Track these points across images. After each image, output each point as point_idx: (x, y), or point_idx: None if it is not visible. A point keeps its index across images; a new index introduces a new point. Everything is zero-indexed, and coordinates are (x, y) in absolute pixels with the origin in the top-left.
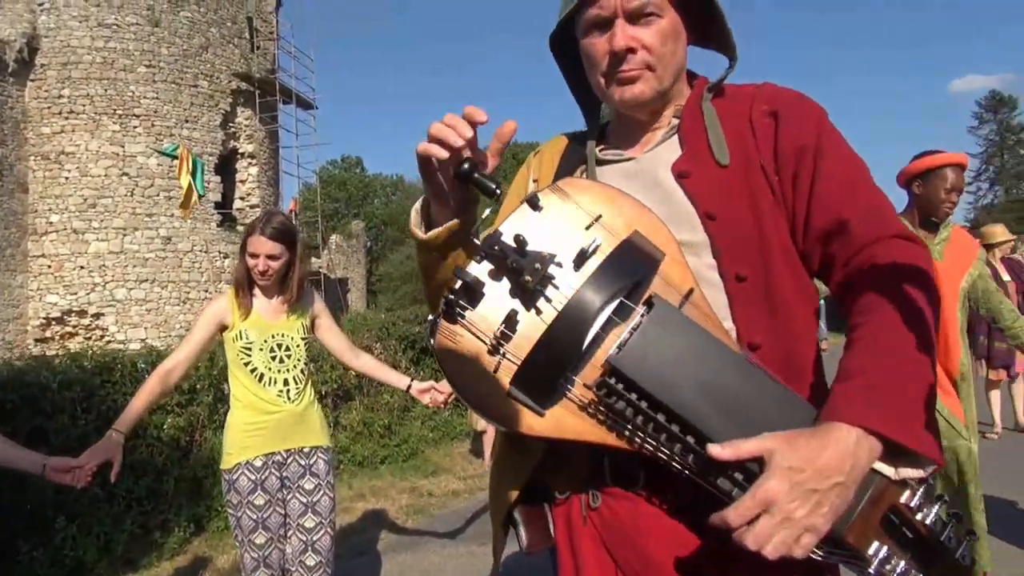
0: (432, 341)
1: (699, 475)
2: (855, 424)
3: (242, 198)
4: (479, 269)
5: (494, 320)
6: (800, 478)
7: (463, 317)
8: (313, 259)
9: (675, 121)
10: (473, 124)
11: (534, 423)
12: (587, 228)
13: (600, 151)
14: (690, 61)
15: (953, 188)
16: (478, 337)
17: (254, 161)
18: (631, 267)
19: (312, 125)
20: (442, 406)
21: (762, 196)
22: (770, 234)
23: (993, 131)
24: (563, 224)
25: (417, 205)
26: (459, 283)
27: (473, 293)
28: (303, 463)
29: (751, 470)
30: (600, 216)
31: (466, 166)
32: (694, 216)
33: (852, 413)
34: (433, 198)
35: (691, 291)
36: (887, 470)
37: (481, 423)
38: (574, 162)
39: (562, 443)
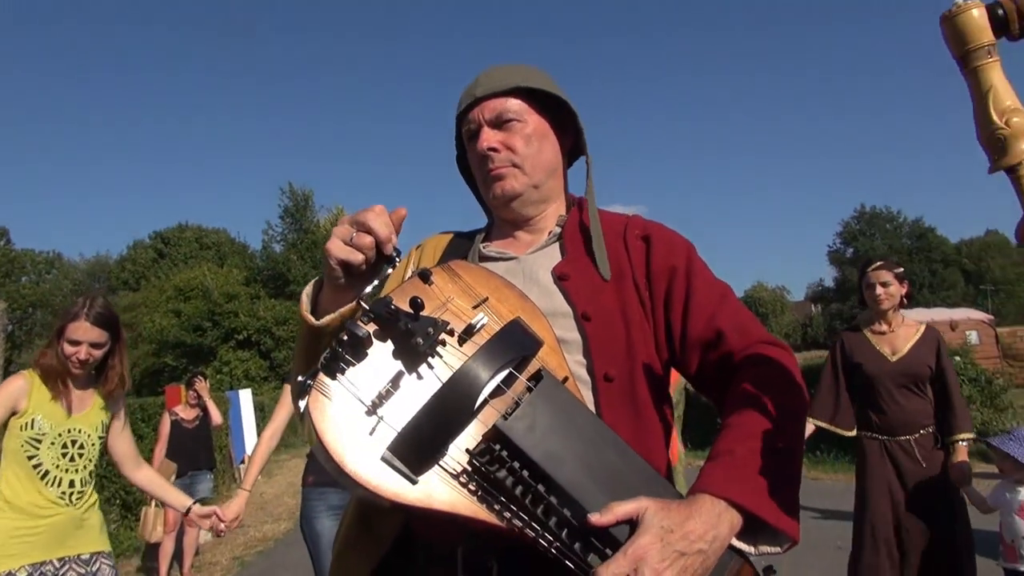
0: (303, 399)
1: (569, 550)
2: (720, 496)
3: None
4: (366, 330)
5: (376, 380)
6: (671, 538)
7: (343, 373)
8: None
9: (557, 230)
10: (398, 222)
11: (405, 491)
12: (474, 307)
13: (484, 248)
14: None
15: None
16: (356, 396)
17: None
18: (521, 342)
19: None
20: (222, 534)
21: (632, 307)
22: (637, 341)
23: None
24: (452, 300)
25: (308, 290)
26: (346, 336)
27: (360, 349)
28: (82, 571)
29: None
30: (487, 299)
31: (395, 254)
32: (570, 316)
33: (718, 486)
34: (335, 286)
35: (566, 379)
36: (746, 548)
37: (156, 535)
38: (456, 256)
39: (428, 515)
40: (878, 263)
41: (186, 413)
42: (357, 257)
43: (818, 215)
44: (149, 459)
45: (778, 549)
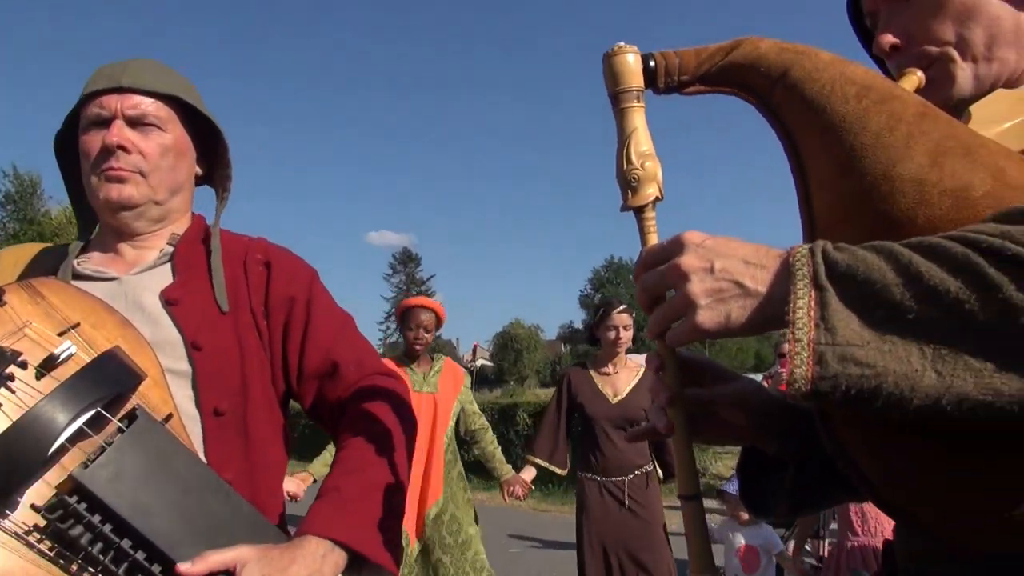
0: None
1: None
2: (324, 536)
3: None
4: None
5: None
6: None
7: None
8: None
9: (169, 249)
10: None
11: None
12: (60, 334)
13: (78, 264)
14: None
15: (419, 325)
16: None
17: None
18: (114, 378)
19: None
20: None
21: (249, 336)
22: (252, 372)
23: (402, 280)
24: (31, 324)
25: None
26: None
27: None
28: None
29: None
30: (78, 324)
31: None
32: (180, 344)
33: (321, 526)
34: None
35: (169, 416)
36: None
37: None
38: (42, 273)
39: None
40: (621, 307)
41: None
42: None
43: (574, 262)
44: None
45: None
